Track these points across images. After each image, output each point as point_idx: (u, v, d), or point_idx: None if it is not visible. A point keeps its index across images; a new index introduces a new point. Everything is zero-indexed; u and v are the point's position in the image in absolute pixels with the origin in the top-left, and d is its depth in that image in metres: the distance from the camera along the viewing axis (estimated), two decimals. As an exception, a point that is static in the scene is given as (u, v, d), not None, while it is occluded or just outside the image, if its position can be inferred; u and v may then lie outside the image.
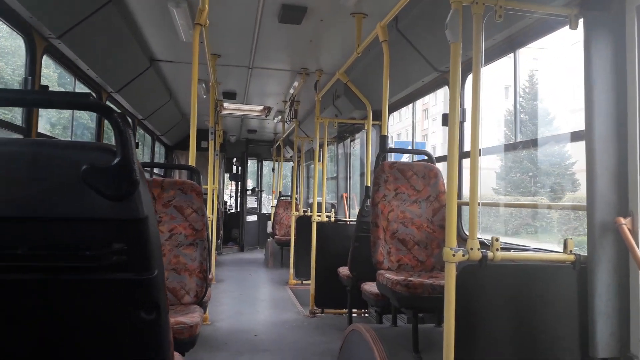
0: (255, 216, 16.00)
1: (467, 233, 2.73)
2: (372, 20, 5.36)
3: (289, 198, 13.25)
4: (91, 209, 1.29)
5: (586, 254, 2.78)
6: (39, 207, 1.29)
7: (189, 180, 4.01)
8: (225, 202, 16.75)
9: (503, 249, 2.74)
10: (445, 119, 4.27)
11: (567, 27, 3.00)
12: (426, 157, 5.00)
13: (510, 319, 2.80)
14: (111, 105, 6.02)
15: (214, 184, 7.55)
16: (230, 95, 9.83)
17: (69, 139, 6.85)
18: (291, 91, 8.94)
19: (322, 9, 5.38)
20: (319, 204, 7.74)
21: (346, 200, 10.49)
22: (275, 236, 12.48)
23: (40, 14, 4.27)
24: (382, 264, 4.31)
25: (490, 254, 2.68)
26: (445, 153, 3.91)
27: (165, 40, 6.62)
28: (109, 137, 7.60)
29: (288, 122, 10.39)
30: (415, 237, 4.48)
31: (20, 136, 4.46)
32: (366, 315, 7.13)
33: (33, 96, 1.50)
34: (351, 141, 10.35)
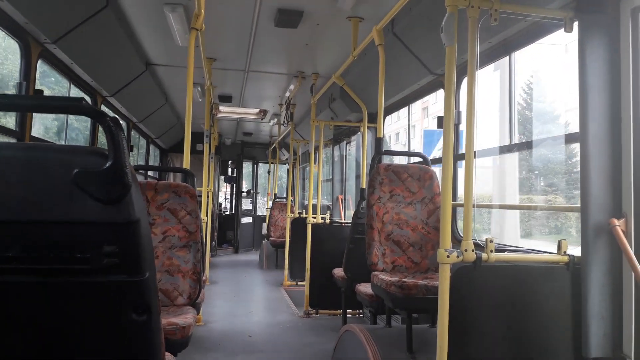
0: (251, 218, 15.99)
1: (462, 234, 2.74)
2: (368, 23, 5.39)
3: (284, 200, 13.26)
4: (83, 212, 1.30)
5: (580, 255, 2.80)
6: (31, 210, 1.30)
7: (183, 183, 4.01)
8: (220, 204, 16.73)
9: (497, 251, 2.75)
10: (441, 122, 4.30)
11: (562, 30, 3.03)
12: (421, 159, 5.03)
13: (504, 319, 2.82)
14: (104, 110, 6.03)
15: (208, 186, 7.55)
16: (226, 99, 9.83)
17: (63, 142, 6.85)
18: (287, 94, 8.95)
19: (318, 13, 5.39)
20: (314, 206, 7.75)
21: (341, 202, 10.50)
22: (270, 238, 12.48)
23: (36, 20, 4.27)
24: (377, 265, 4.33)
25: (484, 255, 2.70)
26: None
27: (161, 44, 6.62)
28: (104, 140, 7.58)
29: (284, 125, 10.40)
30: (410, 239, 4.50)
31: (14, 140, 4.45)
32: (360, 316, 7.15)
33: (25, 101, 1.51)
34: (347, 143, 10.37)
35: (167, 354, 2.49)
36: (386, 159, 7.27)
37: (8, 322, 1.31)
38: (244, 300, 8.54)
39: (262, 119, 11.80)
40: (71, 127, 7.31)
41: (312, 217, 7.43)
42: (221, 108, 10.75)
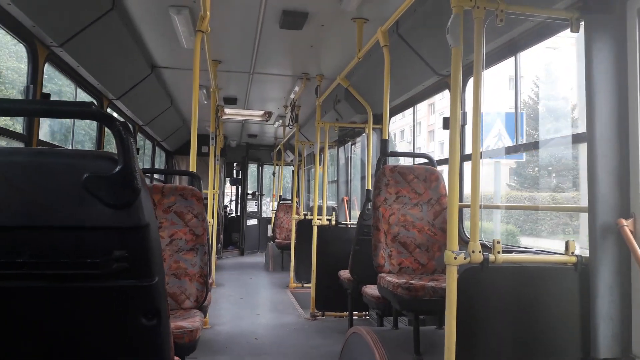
0: (256, 220, 16.00)
1: (469, 236, 2.74)
2: (373, 25, 5.38)
3: (290, 202, 13.27)
4: (93, 217, 1.31)
5: (588, 255, 2.79)
6: (41, 215, 1.30)
7: (190, 186, 4.02)
8: (226, 207, 16.75)
9: (504, 252, 2.74)
10: (447, 123, 4.29)
11: (568, 30, 3.02)
12: (427, 160, 5.02)
13: (511, 320, 2.81)
14: (112, 114, 6.04)
15: (214, 188, 7.56)
16: (231, 101, 9.85)
17: (70, 144, 6.87)
18: (292, 96, 8.96)
19: (323, 15, 5.40)
20: (320, 208, 7.75)
21: (347, 204, 10.49)
22: (276, 240, 12.49)
23: (43, 23, 4.29)
24: (383, 267, 4.32)
25: (491, 256, 2.69)
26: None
27: (166, 47, 6.64)
28: (109, 142, 7.62)
29: (290, 127, 10.41)
30: (417, 240, 4.49)
31: (21, 144, 4.47)
32: (367, 318, 7.13)
33: (35, 106, 1.51)
34: (352, 145, 10.37)
35: (175, 358, 2.49)
36: (392, 160, 7.26)
37: (19, 327, 1.31)
38: (250, 302, 8.54)
39: (267, 121, 11.81)
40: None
41: (318, 219, 7.42)
42: (226, 110, 10.76)
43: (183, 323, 3.23)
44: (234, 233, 15.88)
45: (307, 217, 9.30)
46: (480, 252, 2.66)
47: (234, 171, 16.55)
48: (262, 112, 11.25)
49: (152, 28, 5.99)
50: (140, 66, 6.91)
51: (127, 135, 1.33)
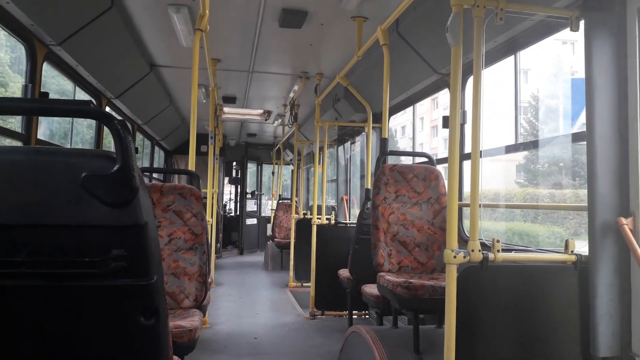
0: (255, 219, 16.00)
1: (468, 234, 2.73)
2: (372, 23, 5.38)
3: (289, 201, 13.26)
4: (91, 215, 1.31)
5: (587, 254, 2.79)
6: (39, 214, 1.30)
7: (188, 185, 4.02)
8: (225, 206, 16.74)
9: (504, 250, 2.74)
10: (446, 121, 4.28)
11: (568, 29, 3.01)
12: (427, 159, 5.02)
13: (511, 319, 2.81)
14: (111, 112, 6.03)
15: (213, 187, 7.56)
16: (230, 100, 9.84)
17: (69, 142, 6.86)
18: (291, 95, 8.95)
19: (323, 13, 5.39)
20: (319, 207, 7.74)
21: (346, 203, 10.49)
22: (275, 239, 12.49)
23: (41, 21, 4.28)
24: (383, 266, 4.32)
25: (491, 255, 2.69)
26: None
27: (165, 45, 6.63)
28: (108, 141, 7.60)
29: (289, 126, 10.41)
30: (416, 239, 4.49)
31: (20, 143, 4.46)
32: (367, 317, 7.13)
33: (33, 104, 1.51)
34: (351, 144, 10.37)
35: (174, 357, 2.49)
36: (392, 159, 7.25)
37: (17, 326, 1.31)
38: (250, 302, 8.54)
39: (266, 120, 11.80)
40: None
41: (317, 218, 7.42)
42: (225, 109, 10.75)
43: (182, 322, 3.23)
44: (233, 232, 15.88)
45: (306, 216, 9.30)
46: (479, 251, 2.66)
47: (233, 170, 16.55)
48: (261, 111, 11.24)
49: (151, 26, 5.98)
50: (139, 65, 6.90)
51: (126, 134, 1.32)
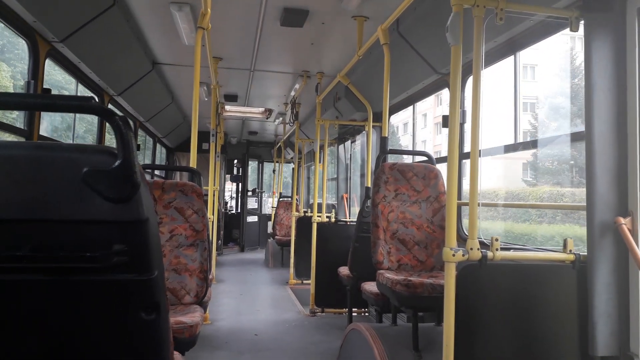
0: (256, 217, 16.01)
1: (467, 233, 2.75)
2: (373, 23, 5.39)
3: (290, 199, 13.28)
4: (92, 211, 1.31)
5: (586, 253, 2.80)
6: (40, 209, 1.31)
7: (190, 182, 4.03)
8: (226, 203, 16.76)
9: (503, 249, 2.76)
10: (446, 121, 4.30)
11: (568, 29, 3.03)
12: (426, 158, 5.03)
13: (510, 318, 2.82)
14: (113, 108, 6.05)
15: (214, 185, 7.58)
16: (231, 98, 9.86)
17: (71, 139, 6.88)
18: (292, 93, 8.97)
19: (324, 12, 5.40)
20: (320, 205, 7.76)
21: (346, 201, 10.51)
22: (276, 236, 12.50)
23: (44, 18, 4.29)
24: (382, 263, 4.34)
25: (490, 253, 2.70)
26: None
27: (167, 43, 6.64)
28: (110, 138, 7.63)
29: (290, 125, 10.42)
30: (415, 238, 4.51)
31: (22, 139, 4.48)
32: (366, 314, 7.15)
33: (35, 100, 1.52)
34: (352, 142, 10.38)
35: (175, 353, 2.51)
36: (393, 158, 7.27)
37: (18, 321, 1.31)
38: (250, 298, 8.56)
39: (267, 118, 11.81)
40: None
41: (318, 216, 7.44)
42: (227, 107, 10.77)
43: (183, 318, 3.25)
44: (234, 230, 15.90)
45: (306, 214, 9.31)
46: (478, 249, 2.67)
47: (235, 168, 16.56)
48: (262, 110, 11.25)
49: (153, 24, 6.00)
50: (141, 62, 6.91)
51: (127, 130, 1.33)
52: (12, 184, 1.31)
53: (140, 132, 9.61)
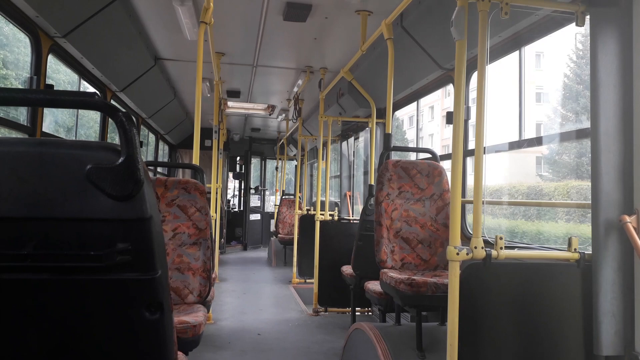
0: (259, 215, 16.00)
1: (471, 231, 2.72)
2: (377, 17, 5.35)
3: (292, 197, 13.26)
4: (96, 208, 1.30)
5: (590, 252, 2.77)
6: (44, 206, 1.30)
7: (193, 180, 4.01)
8: (229, 201, 16.76)
9: (507, 248, 2.73)
10: (450, 117, 4.26)
11: (574, 23, 2.99)
12: (430, 155, 5.00)
13: (514, 317, 2.79)
14: (116, 105, 6.04)
15: (217, 182, 7.56)
16: (234, 94, 9.84)
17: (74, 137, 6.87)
18: (295, 89, 8.94)
19: (327, 7, 5.37)
20: (323, 203, 7.73)
21: (350, 199, 10.48)
22: (279, 235, 12.49)
23: (46, 13, 4.27)
24: (386, 262, 4.31)
25: (494, 252, 2.67)
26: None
27: (170, 38, 6.62)
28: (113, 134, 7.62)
29: (293, 121, 10.39)
30: (419, 236, 4.47)
31: (25, 135, 4.47)
32: (369, 313, 7.13)
33: (38, 95, 1.50)
34: (355, 139, 10.35)
35: (178, 352, 2.49)
36: (397, 155, 7.23)
37: (21, 320, 1.31)
38: (253, 298, 8.55)
39: (270, 115, 11.80)
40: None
41: (321, 214, 7.41)
42: (229, 103, 10.76)
43: (186, 318, 3.23)
44: (237, 228, 15.90)
45: (309, 212, 9.29)
46: (482, 248, 2.65)
47: (237, 165, 16.56)
48: (265, 106, 11.23)
49: (156, 19, 5.97)
50: (143, 58, 6.89)
51: (130, 126, 1.32)
52: (16, 181, 1.30)
53: (142, 129, 9.60)
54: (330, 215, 7.50)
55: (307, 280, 9.24)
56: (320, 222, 7.24)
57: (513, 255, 2.77)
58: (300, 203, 10.65)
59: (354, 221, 7.28)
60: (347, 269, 6.04)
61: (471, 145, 4.80)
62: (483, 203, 2.73)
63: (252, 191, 16.18)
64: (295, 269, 9.56)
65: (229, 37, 6.55)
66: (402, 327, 4.36)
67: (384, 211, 4.45)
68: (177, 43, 6.69)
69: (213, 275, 4.04)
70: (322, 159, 8.42)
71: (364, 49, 5.55)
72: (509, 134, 4.36)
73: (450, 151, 5.02)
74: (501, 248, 2.69)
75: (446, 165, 4.77)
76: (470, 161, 4.74)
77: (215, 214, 6.78)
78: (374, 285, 4.85)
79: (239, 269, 11.67)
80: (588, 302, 2.77)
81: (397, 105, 6.91)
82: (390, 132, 4.98)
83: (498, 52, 4.38)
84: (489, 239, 2.79)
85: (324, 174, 8.41)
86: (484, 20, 2.76)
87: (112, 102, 6.97)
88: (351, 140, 10.51)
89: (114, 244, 1.30)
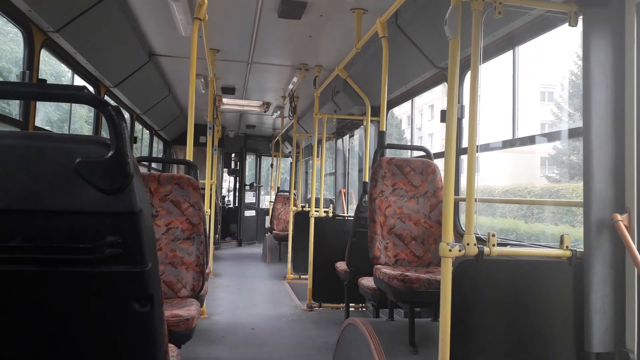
0: (254, 211, 16.01)
1: (464, 228, 2.74)
2: (371, 16, 5.36)
3: (287, 193, 13.27)
4: (85, 201, 1.31)
5: (582, 249, 2.80)
6: (33, 199, 1.30)
7: (186, 175, 4.02)
8: (224, 197, 16.75)
9: (499, 245, 2.75)
10: (444, 116, 4.28)
11: (567, 24, 3.01)
12: (424, 153, 5.02)
13: (506, 313, 2.82)
14: (107, 99, 6.02)
15: (211, 179, 7.56)
16: (229, 91, 9.82)
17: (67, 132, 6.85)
18: (290, 87, 8.94)
19: (322, 4, 5.37)
20: (317, 200, 7.75)
21: (344, 196, 10.50)
22: (274, 231, 12.50)
23: (39, 8, 4.26)
24: (379, 259, 4.33)
25: (486, 249, 2.70)
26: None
27: (164, 34, 6.60)
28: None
29: (289, 118, 10.39)
30: (412, 233, 4.50)
31: (17, 130, 4.46)
32: (363, 309, 7.16)
33: (27, 89, 1.51)
34: (350, 137, 10.36)
35: (171, 346, 2.50)
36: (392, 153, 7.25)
37: (10, 312, 1.32)
38: (247, 293, 8.57)
39: (265, 112, 11.78)
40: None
41: (315, 211, 7.43)
42: (224, 100, 10.74)
43: (179, 311, 3.24)
44: (232, 224, 15.90)
45: (304, 209, 9.31)
46: (475, 244, 2.67)
47: (232, 162, 16.54)
48: (260, 103, 11.22)
49: (150, 15, 5.95)
50: (137, 54, 6.87)
51: (120, 120, 1.32)
52: (5, 174, 1.30)
53: (137, 125, 9.58)
54: (324, 212, 7.51)
55: (302, 276, 9.26)
56: (315, 218, 7.26)
57: (505, 252, 2.80)
58: (295, 200, 10.66)
59: (349, 218, 7.30)
60: (341, 265, 6.06)
61: (464, 143, 4.83)
62: (476, 201, 2.75)
63: (247, 188, 16.18)
64: (289, 264, 9.58)
65: (223, 34, 6.54)
66: (395, 322, 4.38)
67: (378, 208, 4.47)
68: (172, 39, 6.68)
69: (207, 270, 4.05)
70: (317, 156, 8.43)
71: (358, 47, 5.56)
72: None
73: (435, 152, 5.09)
74: (493, 245, 2.71)
75: (440, 163, 4.79)
76: (464, 159, 4.76)
77: (209, 210, 6.79)
78: (367, 281, 4.87)
79: (233, 264, 11.67)
80: (579, 299, 2.80)
81: (392, 104, 6.93)
82: (384, 129, 4.99)
83: (492, 52, 4.40)
84: (482, 236, 2.82)
85: (318, 171, 8.41)
86: (477, 19, 2.78)
87: (106, 97, 6.95)
88: (346, 137, 10.53)
89: (104, 237, 1.31)
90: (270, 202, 15.08)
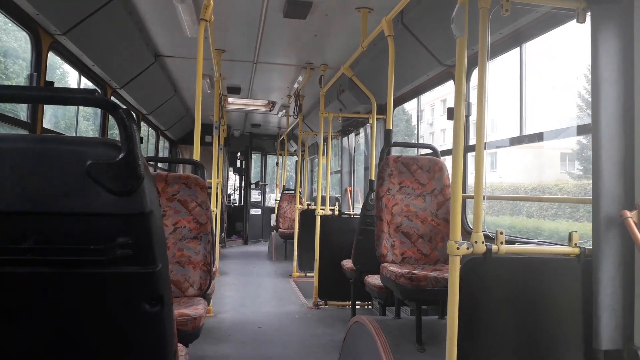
0: (259, 209, 16.03)
1: (472, 226, 2.74)
2: (377, 14, 5.36)
3: (293, 192, 13.28)
4: (97, 203, 1.32)
5: (591, 247, 2.79)
6: (45, 201, 1.31)
7: (193, 175, 4.04)
8: (230, 196, 16.79)
9: (507, 242, 2.74)
10: (451, 113, 4.27)
11: (574, 20, 3.00)
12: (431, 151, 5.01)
13: (514, 311, 2.81)
14: (116, 101, 6.04)
15: (218, 178, 7.58)
16: (234, 90, 9.84)
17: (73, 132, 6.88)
18: (295, 86, 8.95)
19: (327, 4, 5.37)
20: (323, 198, 7.76)
21: (350, 194, 10.50)
22: (279, 229, 12.52)
23: (46, 11, 4.28)
24: (386, 257, 4.33)
25: (494, 247, 2.69)
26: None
27: (170, 35, 6.63)
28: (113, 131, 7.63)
29: (294, 117, 10.39)
30: (420, 231, 4.49)
31: (25, 132, 4.48)
32: (369, 307, 7.16)
33: (38, 93, 1.52)
34: (355, 135, 10.35)
35: (179, 345, 2.51)
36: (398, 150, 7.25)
37: (22, 313, 1.32)
38: (254, 291, 8.58)
39: (270, 111, 11.80)
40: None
41: (321, 209, 7.43)
42: (230, 100, 10.76)
43: (187, 310, 3.26)
44: (238, 222, 15.94)
45: (310, 207, 9.31)
46: (483, 242, 2.66)
47: (238, 161, 16.57)
48: (265, 102, 11.24)
49: (156, 16, 5.98)
50: (143, 55, 6.90)
51: (130, 123, 1.33)
52: (17, 177, 1.31)
53: (143, 125, 9.61)
54: (330, 210, 7.52)
55: (308, 274, 9.27)
56: (321, 216, 7.27)
57: (513, 250, 2.79)
58: (300, 198, 10.68)
59: (354, 216, 7.30)
60: (347, 263, 6.06)
61: (472, 141, 4.82)
62: (484, 198, 2.75)
63: (253, 186, 16.21)
64: (295, 262, 9.59)
65: (229, 34, 6.56)
66: (402, 320, 4.38)
67: (385, 206, 4.47)
68: (177, 40, 6.70)
69: (213, 269, 4.07)
70: (323, 155, 8.44)
71: (364, 46, 5.55)
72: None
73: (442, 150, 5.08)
74: (502, 243, 2.70)
75: (447, 161, 4.79)
76: (471, 157, 4.76)
77: (215, 209, 6.80)
78: (374, 279, 4.87)
79: (239, 262, 11.70)
80: (588, 296, 2.79)
81: (398, 102, 6.92)
82: (391, 128, 4.99)
83: (499, 49, 4.39)
84: (490, 234, 2.81)
85: (324, 170, 8.42)
86: (484, 17, 2.77)
87: (112, 98, 6.98)
88: (352, 136, 10.52)
89: (115, 238, 1.32)
90: (275, 200, 15.10)
